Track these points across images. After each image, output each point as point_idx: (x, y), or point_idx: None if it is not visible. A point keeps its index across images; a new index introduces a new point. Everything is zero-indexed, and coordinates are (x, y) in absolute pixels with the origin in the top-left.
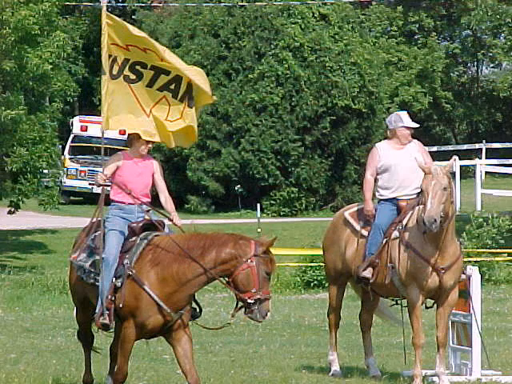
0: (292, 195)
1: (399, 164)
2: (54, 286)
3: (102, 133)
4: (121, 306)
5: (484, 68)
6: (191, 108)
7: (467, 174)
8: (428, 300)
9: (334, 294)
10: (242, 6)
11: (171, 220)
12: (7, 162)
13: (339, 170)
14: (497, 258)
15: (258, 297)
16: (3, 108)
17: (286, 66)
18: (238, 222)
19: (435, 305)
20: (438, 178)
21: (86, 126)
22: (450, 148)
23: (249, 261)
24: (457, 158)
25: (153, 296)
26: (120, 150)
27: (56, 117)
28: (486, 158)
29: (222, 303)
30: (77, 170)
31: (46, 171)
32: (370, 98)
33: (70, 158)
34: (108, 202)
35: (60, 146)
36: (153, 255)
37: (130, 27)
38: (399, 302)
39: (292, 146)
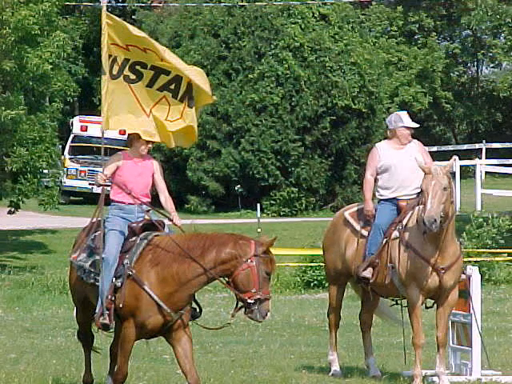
0: (292, 195)
1: (399, 164)
2: (54, 286)
3: (102, 133)
4: (121, 306)
5: (484, 68)
6: (191, 108)
7: (467, 173)
8: (428, 300)
9: (334, 294)
10: (242, 5)
11: (171, 220)
12: (7, 162)
13: (339, 170)
14: (497, 258)
15: (258, 297)
16: (3, 108)
17: (286, 66)
18: (238, 222)
19: (435, 305)
20: (438, 177)
21: (86, 126)
22: (450, 148)
23: (249, 261)
24: (457, 158)
25: (153, 296)
26: (120, 149)
27: (56, 117)
28: (486, 158)
29: (222, 303)
30: (77, 170)
31: (46, 171)
32: (370, 98)
33: (70, 158)
34: (108, 201)
35: (60, 146)
36: (153, 255)
37: (130, 27)
38: (399, 302)
39: (292, 146)
